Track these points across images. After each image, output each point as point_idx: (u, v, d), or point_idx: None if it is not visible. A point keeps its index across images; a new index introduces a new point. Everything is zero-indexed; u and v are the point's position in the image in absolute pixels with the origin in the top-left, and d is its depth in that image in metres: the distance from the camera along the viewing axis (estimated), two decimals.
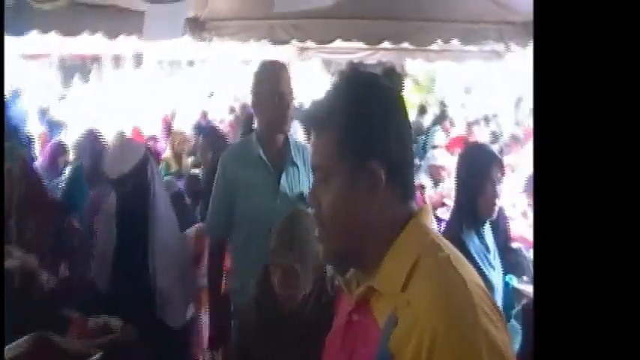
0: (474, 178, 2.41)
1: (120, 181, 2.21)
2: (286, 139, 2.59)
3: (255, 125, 2.68)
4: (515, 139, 7.51)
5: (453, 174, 2.70)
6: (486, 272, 2.35)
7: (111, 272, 2.41)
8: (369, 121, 1.05)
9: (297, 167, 2.57)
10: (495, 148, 5.28)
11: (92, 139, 3.58)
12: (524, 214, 4.50)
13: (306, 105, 9.36)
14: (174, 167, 5.69)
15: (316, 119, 1.10)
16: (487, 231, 2.52)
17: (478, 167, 2.42)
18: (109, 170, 2.26)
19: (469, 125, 8.53)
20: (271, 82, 2.48)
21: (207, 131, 4.87)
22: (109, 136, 8.35)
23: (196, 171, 5.33)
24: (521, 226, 4.20)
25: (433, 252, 1.01)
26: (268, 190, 2.49)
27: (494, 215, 2.47)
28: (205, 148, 4.49)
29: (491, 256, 2.47)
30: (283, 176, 2.52)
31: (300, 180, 2.56)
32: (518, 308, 3.04)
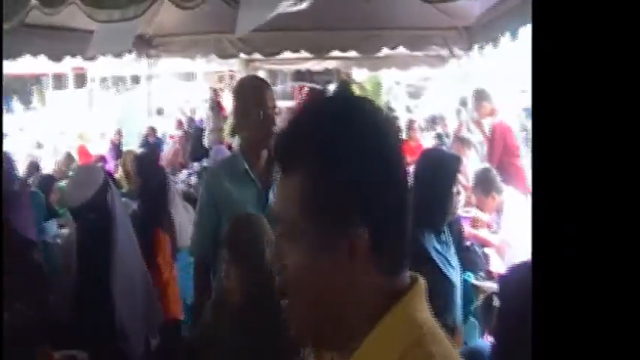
0: (440, 183, 2.41)
1: (81, 209, 2.17)
2: (269, 155, 2.58)
3: (206, 139, 2.69)
4: (460, 140, 7.66)
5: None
6: (447, 273, 2.41)
7: (73, 301, 2.36)
8: (355, 162, 0.77)
9: None
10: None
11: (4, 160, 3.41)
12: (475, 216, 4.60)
13: None
14: (125, 186, 5.59)
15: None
16: (445, 231, 2.58)
17: (443, 172, 2.44)
18: (69, 199, 2.22)
19: (411, 126, 8.56)
20: (255, 98, 2.48)
21: (139, 160, 4.25)
22: (57, 157, 8.10)
23: None
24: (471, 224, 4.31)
25: (423, 351, 0.78)
26: (256, 207, 2.46)
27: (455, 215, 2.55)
28: (136, 176, 3.92)
29: (450, 256, 2.54)
30: (271, 192, 2.51)
31: None
32: (476, 304, 3.12)
